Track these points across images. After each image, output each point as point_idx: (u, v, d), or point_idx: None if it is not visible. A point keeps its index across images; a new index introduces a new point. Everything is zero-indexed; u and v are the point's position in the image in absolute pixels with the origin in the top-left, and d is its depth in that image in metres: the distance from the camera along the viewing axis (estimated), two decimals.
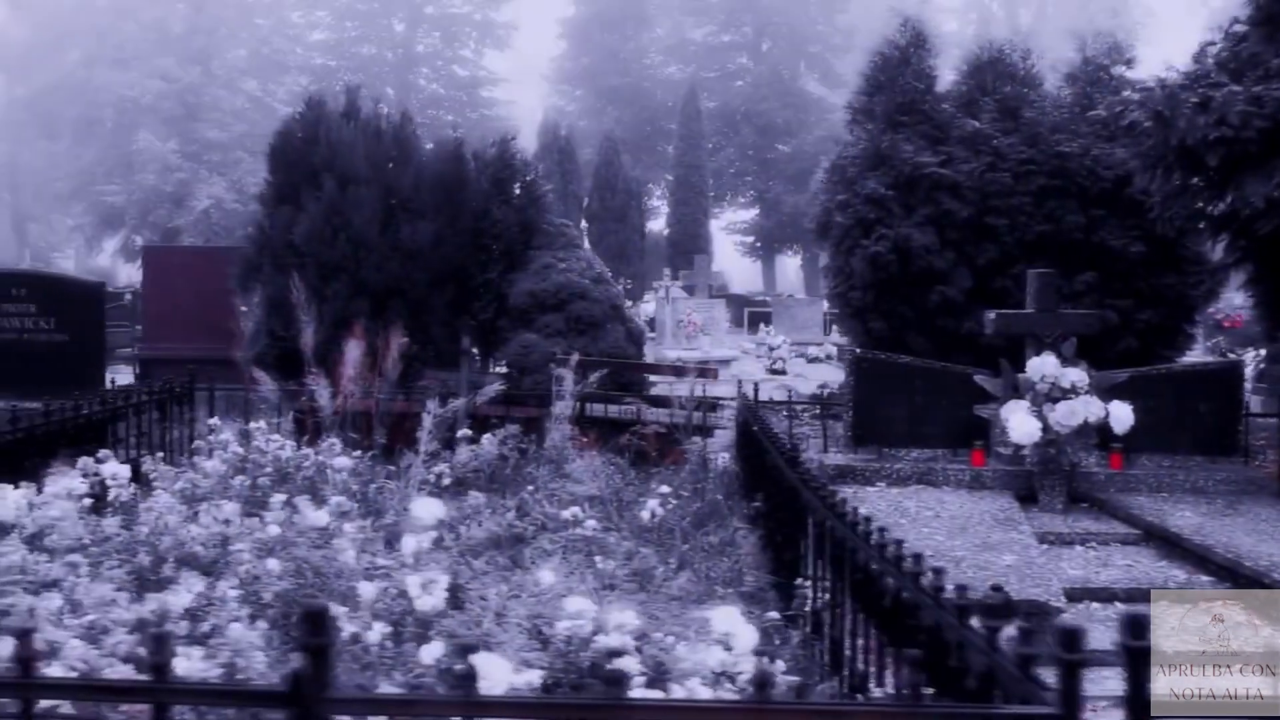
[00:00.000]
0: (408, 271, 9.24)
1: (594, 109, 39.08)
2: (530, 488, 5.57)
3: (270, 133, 33.50)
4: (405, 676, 2.52)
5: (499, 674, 2.21)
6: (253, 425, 6.53)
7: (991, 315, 6.76)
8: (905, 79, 9.70)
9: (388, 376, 6.39)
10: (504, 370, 9.73)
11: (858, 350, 7.36)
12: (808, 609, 3.89)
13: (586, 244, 13.11)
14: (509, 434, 6.52)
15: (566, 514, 5.29)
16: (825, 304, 20.71)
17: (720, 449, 7.25)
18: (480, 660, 2.33)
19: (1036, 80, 10.10)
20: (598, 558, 4.71)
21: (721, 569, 4.94)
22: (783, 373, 13.23)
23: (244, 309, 7.56)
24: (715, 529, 5.60)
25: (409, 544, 3.37)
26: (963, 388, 6.68)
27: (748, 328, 19.77)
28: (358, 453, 6.13)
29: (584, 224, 26.28)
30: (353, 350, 6.75)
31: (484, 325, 9.66)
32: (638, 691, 2.46)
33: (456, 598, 3.50)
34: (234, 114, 35.23)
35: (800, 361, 14.70)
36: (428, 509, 3.49)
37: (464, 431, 6.63)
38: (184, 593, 2.93)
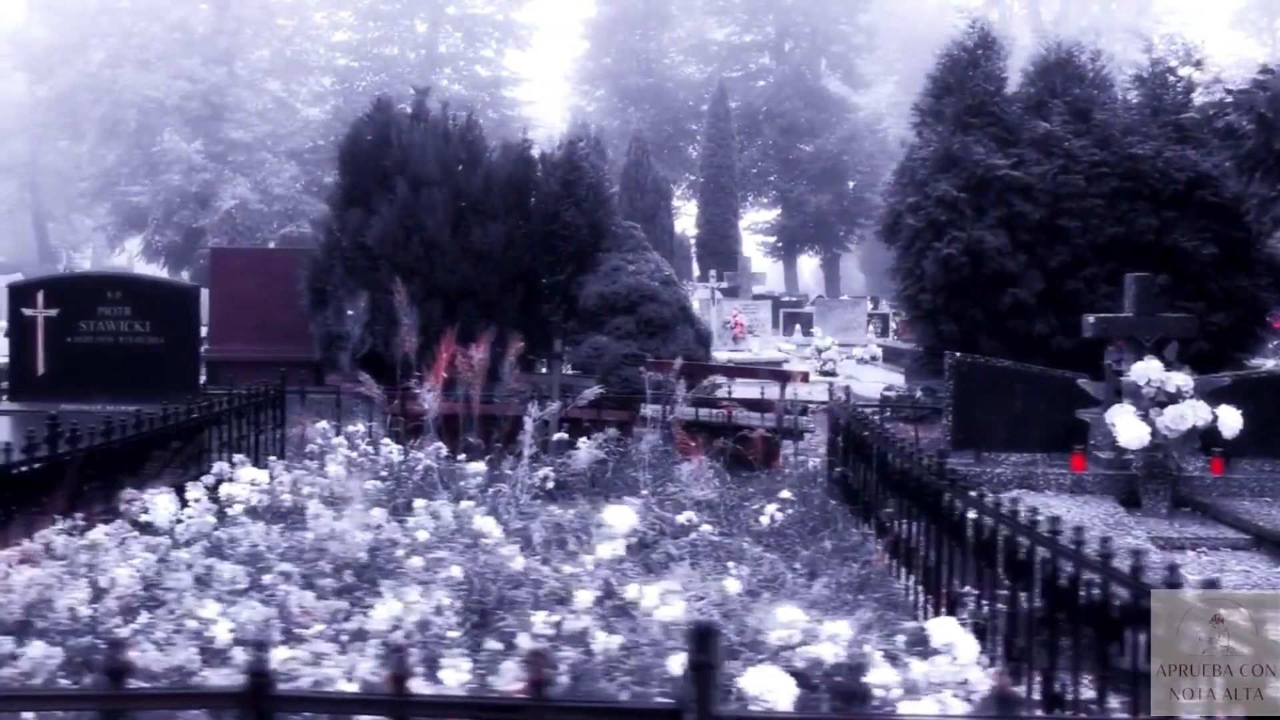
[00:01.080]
0: (479, 273, 9.24)
1: (615, 109, 39.05)
2: (645, 492, 5.56)
3: (292, 133, 33.55)
4: (660, 687, 2.50)
5: (783, 689, 2.20)
6: (351, 428, 6.56)
7: (1091, 319, 6.73)
8: (975, 81, 9.68)
9: (504, 379, 6.37)
10: (572, 372, 9.73)
11: (958, 355, 7.33)
12: (973, 619, 3.87)
13: None
14: (606, 437, 6.52)
15: (682, 519, 5.28)
16: (868, 304, 20.69)
17: (810, 452, 7.23)
18: (760, 676, 2.32)
19: (1106, 82, 10.07)
20: (730, 564, 4.69)
21: (848, 575, 4.93)
22: (834, 374, 13.20)
23: (326, 312, 7.54)
24: (829, 534, 5.58)
25: (604, 550, 3.36)
26: (1062, 392, 6.66)
27: (783, 329, 19.75)
28: (462, 456, 6.15)
29: None
30: (448, 352, 6.77)
31: (552, 327, 9.66)
32: (906, 706, 2.45)
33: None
34: (258, 114, 35.27)
35: (850, 363, 14.66)
36: (621, 516, 3.47)
37: (559, 435, 6.62)
38: (394, 601, 2.93)
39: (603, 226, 9.70)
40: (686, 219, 34.51)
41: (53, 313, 6.79)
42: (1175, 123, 9.32)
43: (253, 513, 4.19)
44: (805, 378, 7.63)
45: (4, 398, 6.94)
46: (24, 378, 6.83)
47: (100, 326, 6.79)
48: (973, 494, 4.03)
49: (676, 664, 2.51)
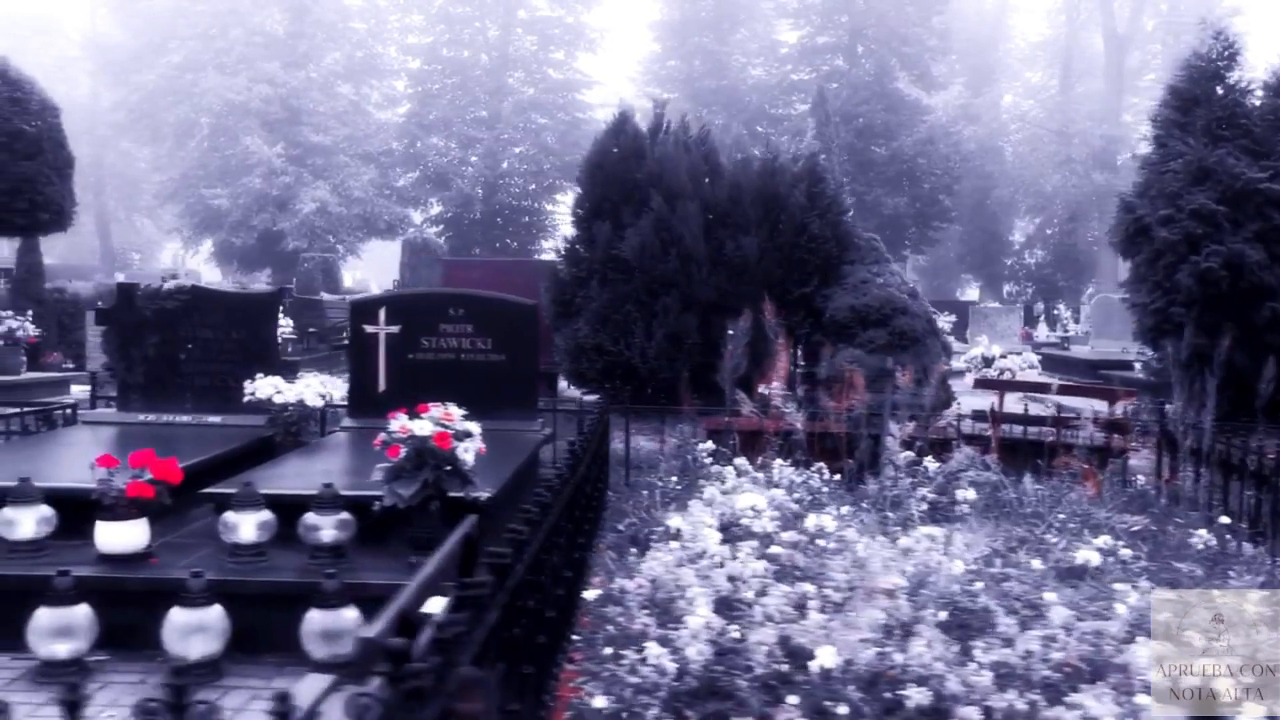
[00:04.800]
0: (734, 286, 9.23)
1: (682, 111, 38.99)
2: (1062, 516, 5.53)
3: (368, 135, 33.59)
4: None
5: None
6: (672, 441, 6.54)
7: None
8: (1220, 93, 9.62)
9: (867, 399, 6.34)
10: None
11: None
12: None
13: None
14: (966, 456, 6.49)
15: (1099, 543, 5.23)
16: (1022, 309, 20.58)
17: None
18: None
19: None
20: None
21: None
22: None
23: (577, 323, 7.54)
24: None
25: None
26: None
27: None
28: (811, 474, 6.12)
29: None
30: (781, 366, 6.75)
31: (799, 340, 9.65)
32: None
33: None
34: (335, 118, 35.39)
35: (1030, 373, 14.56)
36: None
37: (905, 454, 6.58)
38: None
39: (847, 238, 9.67)
40: None
41: (394, 329, 6.81)
42: None
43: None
44: (1129, 394, 7.56)
45: (344, 414, 6.96)
46: (364, 394, 6.85)
47: (442, 343, 6.79)
48: None
49: None
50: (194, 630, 4.06)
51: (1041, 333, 20.39)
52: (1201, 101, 9.65)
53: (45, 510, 4.59)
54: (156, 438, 6.42)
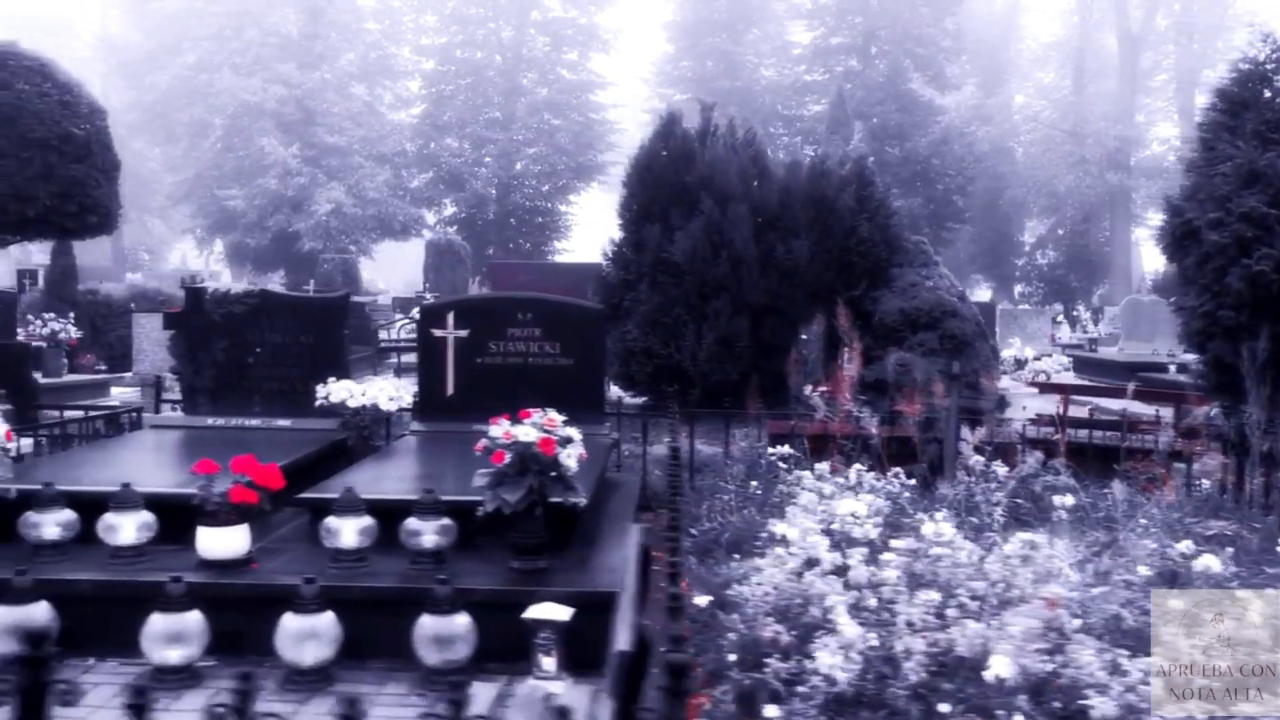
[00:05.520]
0: (784, 289, 9.23)
1: (694, 111, 39.03)
2: (1144, 522, 5.52)
3: (383, 136, 33.55)
4: None
5: None
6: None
7: None
8: (1269, 96, 9.61)
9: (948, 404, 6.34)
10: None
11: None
12: None
13: None
14: (1037, 461, 6.49)
15: (1181, 548, 5.21)
16: (1058, 312, 20.56)
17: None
18: None
19: None
20: None
21: None
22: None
23: (627, 325, 7.56)
24: None
25: None
26: None
27: None
28: (886, 479, 6.11)
29: None
30: (851, 368, 6.75)
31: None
32: None
33: None
34: (350, 119, 35.40)
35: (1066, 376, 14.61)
36: None
37: (976, 458, 6.58)
38: None
39: (895, 241, 9.68)
40: None
41: (463, 333, 6.81)
42: None
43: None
44: (1200, 399, 7.57)
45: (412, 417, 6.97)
46: (432, 398, 6.86)
47: (509, 347, 6.79)
48: None
49: None
50: (307, 636, 4.06)
51: (1064, 334, 20.39)
52: (1250, 105, 9.62)
53: (146, 516, 4.60)
54: (228, 441, 6.42)
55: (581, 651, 4.19)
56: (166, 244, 49.40)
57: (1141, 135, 39.62)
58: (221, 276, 39.30)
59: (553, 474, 4.42)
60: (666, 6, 39.93)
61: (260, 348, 6.86)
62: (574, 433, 4.55)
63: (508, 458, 4.40)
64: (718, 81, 37.92)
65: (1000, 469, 6.38)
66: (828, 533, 4.44)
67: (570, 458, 4.46)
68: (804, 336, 6.82)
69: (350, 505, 4.56)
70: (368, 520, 4.57)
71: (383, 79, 39.19)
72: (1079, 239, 39.05)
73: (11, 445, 4.78)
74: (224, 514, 4.49)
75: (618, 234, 10.13)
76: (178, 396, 7.20)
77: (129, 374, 12.26)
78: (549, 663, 4.11)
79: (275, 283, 35.82)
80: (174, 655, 4.07)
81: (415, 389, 6.98)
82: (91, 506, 4.69)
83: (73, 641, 4.25)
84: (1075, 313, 25.46)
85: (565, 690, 4.04)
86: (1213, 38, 39.98)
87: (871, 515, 4.49)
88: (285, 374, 6.88)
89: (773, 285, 9.20)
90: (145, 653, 4.06)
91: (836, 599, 3.31)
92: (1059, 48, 43.14)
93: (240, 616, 4.30)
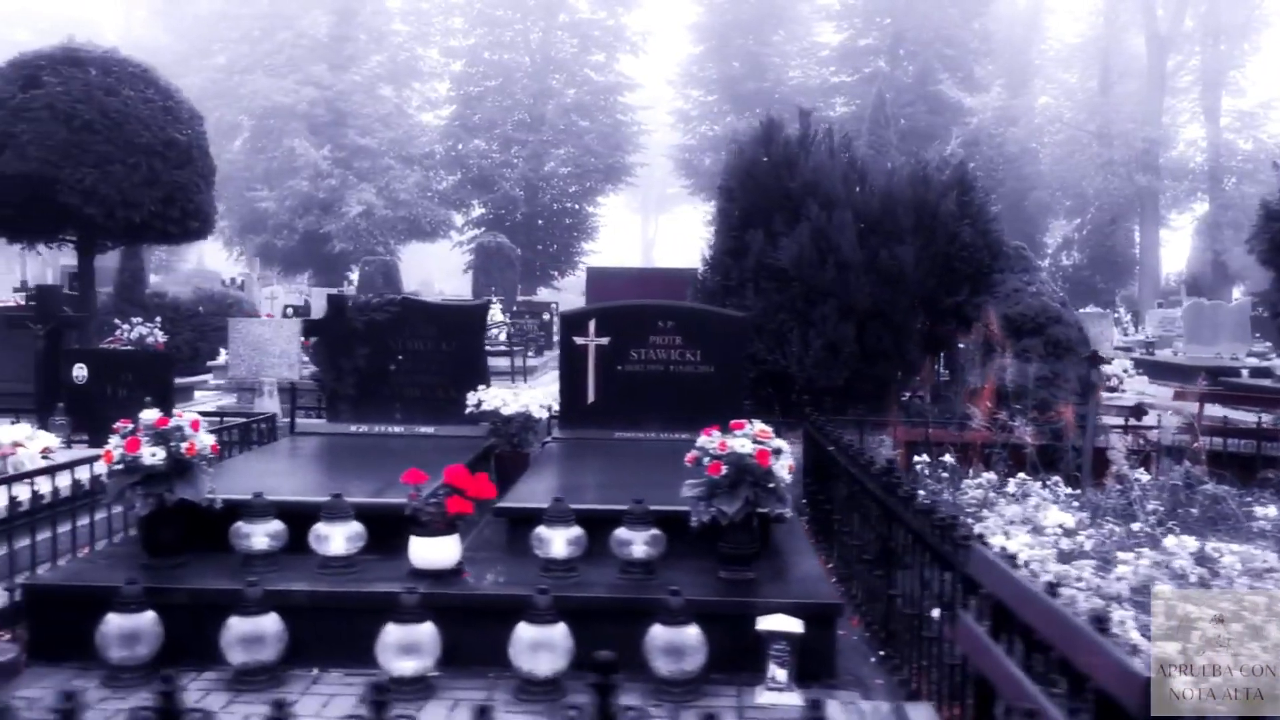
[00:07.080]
0: (889, 295, 9.23)
1: (721, 112, 39.09)
2: None
3: (413, 138, 33.51)
4: None
5: None
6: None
7: None
8: None
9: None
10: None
11: None
12: None
13: None
14: (1184, 469, 6.49)
15: None
16: (1112, 316, 20.55)
17: None
18: None
19: None
20: None
21: None
22: (1119, 391, 13.09)
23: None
24: None
25: None
26: None
27: None
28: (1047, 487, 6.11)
29: None
30: (994, 378, 6.75)
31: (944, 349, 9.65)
32: None
33: None
34: (380, 120, 35.45)
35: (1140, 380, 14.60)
36: None
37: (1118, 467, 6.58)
38: None
39: (997, 246, 9.67)
40: None
41: (604, 341, 6.83)
42: None
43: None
44: None
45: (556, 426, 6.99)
46: (574, 405, 6.87)
47: (651, 355, 6.81)
48: None
49: None
50: (541, 647, 4.07)
51: (1115, 337, 20.36)
52: None
53: (356, 526, 4.62)
54: (374, 449, 6.46)
55: (805, 662, 4.21)
56: (185, 245, 49.39)
57: (1169, 136, 39.54)
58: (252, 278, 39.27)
59: (768, 485, 4.43)
60: (693, 8, 39.95)
61: (401, 355, 6.89)
62: (784, 444, 4.56)
63: (724, 469, 4.41)
64: (744, 83, 37.95)
65: (1143, 476, 6.40)
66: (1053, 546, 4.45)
67: (783, 469, 4.48)
68: (961, 346, 6.83)
69: (560, 515, 4.58)
70: (577, 530, 4.58)
71: (411, 80, 39.24)
72: (1104, 240, 38.98)
73: (214, 456, 4.79)
74: (436, 524, 4.51)
75: (712, 240, 10.16)
76: (308, 404, 7.23)
77: (206, 377, 12.29)
78: (782, 674, 4.13)
79: (303, 284, 35.87)
80: (408, 667, 4.08)
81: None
82: (293, 517, 4.72)
83: (296, 651, 4.27)
84: (1115, 315, 25.42)
85: (798, 701, 4.06)
86: (1239, 39, 39.92)
87: (1081, 527, 4.49)
88: (426, 381, 6.91)
89: (877, 290, 9.20)
90: (381, 664, 4.07)
91: (1123, 614, 3.32)
92: (1083, 49, 43.08)
93: (458, 627, 4.30)
